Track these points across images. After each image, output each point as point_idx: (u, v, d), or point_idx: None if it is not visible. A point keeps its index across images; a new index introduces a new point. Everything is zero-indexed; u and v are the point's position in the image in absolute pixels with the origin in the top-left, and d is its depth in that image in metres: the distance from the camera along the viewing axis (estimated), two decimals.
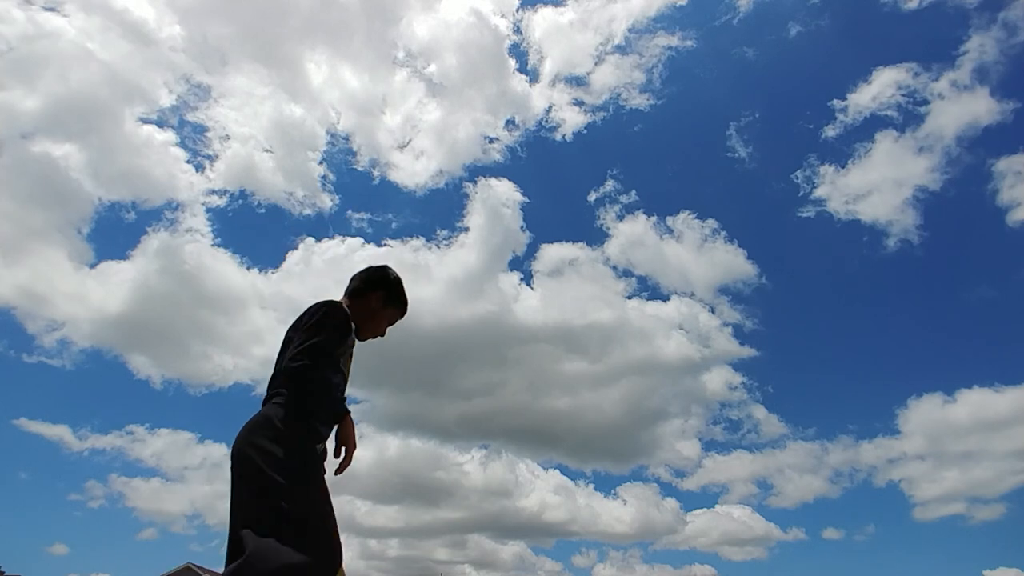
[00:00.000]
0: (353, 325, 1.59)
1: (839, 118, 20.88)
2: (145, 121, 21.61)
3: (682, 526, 20.12)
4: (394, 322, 1.69)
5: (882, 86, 20.31)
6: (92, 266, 20.64)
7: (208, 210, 21.68)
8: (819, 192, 21.17)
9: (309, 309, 1.52)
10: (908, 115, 20.37)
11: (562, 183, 25.84)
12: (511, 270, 21.99)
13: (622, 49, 22.73)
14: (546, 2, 25.03)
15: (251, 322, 21.32)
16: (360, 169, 23.20)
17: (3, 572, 15.32)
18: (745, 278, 21.61)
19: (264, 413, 1.42)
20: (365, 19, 23.42)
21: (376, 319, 1.65)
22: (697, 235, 22.05)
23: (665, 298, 22.21)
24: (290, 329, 1.52)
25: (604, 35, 23.02)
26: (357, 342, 1.62)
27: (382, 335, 1.68)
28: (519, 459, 21.96)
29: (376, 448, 21.07)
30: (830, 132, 21.25)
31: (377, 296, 1.65)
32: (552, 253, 22.12)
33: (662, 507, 20.49)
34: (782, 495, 20.34)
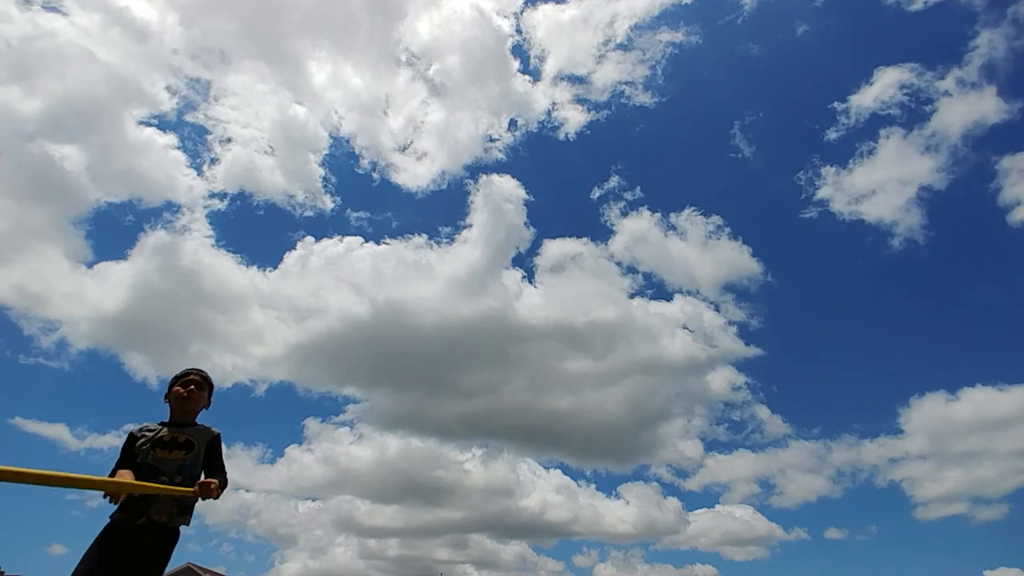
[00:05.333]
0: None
1: (844, 119, 20.82)
2: (145, 123, 21.58)
3: (684, 526, 20.11)
4: (176, 392, 2.20)
5: (887, 86, 20.26)
6: (90, 266, 20.62)
7: (208, 211, 21.64)
8: (824, 192, 21.13)
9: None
10: (913, 114, 20.30)
11: (565, 180, 25.81)
12: (514, 267, 21.94)
13: (625, 47, 22.66)
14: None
15: (250, 321, 21.26)
16: (361, 172, 23.15)
17: (3, 572, 15.25)
18: (750, 275, 21.54)
19: None
20: (368, 16, 23.35)
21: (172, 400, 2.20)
22: (701, 232, 22.00)
23: (669, 297, 22.14)
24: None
25: (607, 33, 22.94)
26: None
27: (184, 397, 2.19)
28: (520, 459, 21.93)
29: (376, 447, 21.06)
30: (835, 132, 21.20)
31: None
32: (555, 249, 22.05)
33: (664, 507, 20.47)
34: (784, 495, 20.31)
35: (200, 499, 1.96)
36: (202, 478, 2.06)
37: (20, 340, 20.36)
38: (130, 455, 2.03)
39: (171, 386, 2.20)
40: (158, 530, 1.93)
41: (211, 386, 2.26)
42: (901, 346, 23.13)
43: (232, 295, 21.35)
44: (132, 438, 2.07)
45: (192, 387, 2.17)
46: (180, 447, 2.06)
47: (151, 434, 2.07)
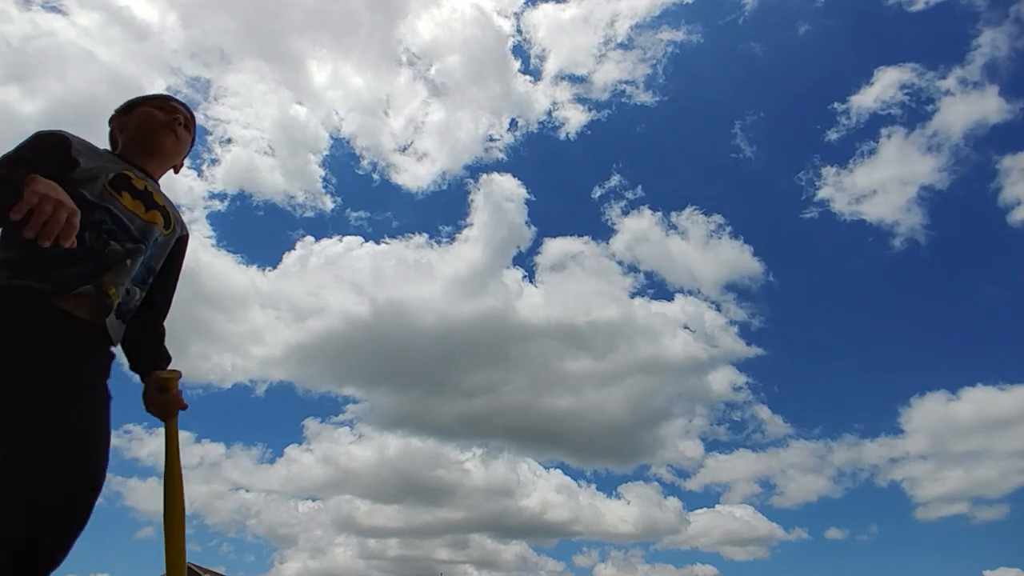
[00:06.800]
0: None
1: (845, 119, 20.79)
2: None
3: (684, 526, 20.02)
4: (149, 114, 1.16)
5: (888, 86, 20.16)
6: None
7: (208, 211, 21.60)
8: (825, 192, 21.04)
9: None
10: (914, 114, 20.26)
11: (566, 179, 25.74)
12: (514, 266, 21.92)
13: (625, 46, 22.67)
14: None
15: (250, 321, 21.24)
16: (361, 172, 23.14)
17: None
18: (751, 275, 21.51)
19: None
20: (368, 15, 23.34)
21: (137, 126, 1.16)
22: (703, 231, 21.93)
23: (670, 296, 22.11)
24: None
25: (607, 32, 22.94)
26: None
27: (163, 132, 1.16)
28: (521, 459, 21.87)
29: (376, 447, 20.99)
30: (835, 133, 21.16)
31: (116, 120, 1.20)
32: (556, 248, 22.02)
33: (664, 507, 20.40)
34: (785, 495, 20.25)
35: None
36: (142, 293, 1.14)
37: None
38: (52, 163, 0.95)
39: (136, 105, 1.17)
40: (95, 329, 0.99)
41: (194, 136, 1.25)
42: (902, 346, 23.10)
43: (232, 295, 21.29)
44: (67, 143, 1.01)
45: (179, 126, 1.17)
46: (158, 209, 1.10)
47: (109, 163, 1.05)
